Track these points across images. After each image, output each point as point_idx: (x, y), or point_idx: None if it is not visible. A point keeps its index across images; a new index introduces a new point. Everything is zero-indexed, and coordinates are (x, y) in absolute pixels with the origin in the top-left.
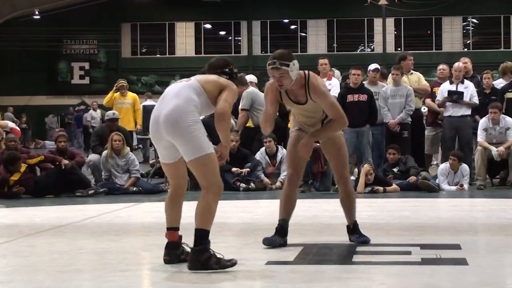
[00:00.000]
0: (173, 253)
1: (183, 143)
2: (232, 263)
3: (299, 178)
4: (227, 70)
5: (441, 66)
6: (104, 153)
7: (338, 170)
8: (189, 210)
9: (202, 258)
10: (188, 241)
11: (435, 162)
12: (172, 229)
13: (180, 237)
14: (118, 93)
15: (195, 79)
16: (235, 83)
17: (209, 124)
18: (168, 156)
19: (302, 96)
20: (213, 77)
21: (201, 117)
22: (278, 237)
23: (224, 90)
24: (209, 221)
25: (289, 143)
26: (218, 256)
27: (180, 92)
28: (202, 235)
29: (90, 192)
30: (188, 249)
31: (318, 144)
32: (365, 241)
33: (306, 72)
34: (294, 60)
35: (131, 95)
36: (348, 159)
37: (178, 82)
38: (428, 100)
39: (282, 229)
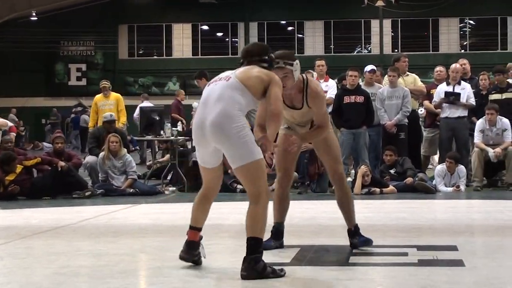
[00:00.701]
0: (191, 252)
1: (231, 149)
2: (284, 272)
3: (290, 179)
4: (266, 57)
5: (438, 68)
6: (101, 154)
7: (331, 165)
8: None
9: (258, 267)
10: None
11: (431, 167)
12: (195, 228)
13: (201, 237)
14: (100, 95)
15: (235, 77)
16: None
17: None
18: (211, 162)
19: (298, 101)
20: (253, 71)
21: None
22: (274, 241)
23: (271, 85)
24: (261, 229)
25: (278, 144)
26: (270, 266)
27: (223, 95)
28: (256, 244)
29: (87, 193)
30: (204, 252)
31: (310, 144)
32: (368, 241)
33: (305, 76)
34: (297, 60)
35: (114, 95)
36: (340, 154)
37: (217, 81)
38: (426, 102)
39: (277, 232)
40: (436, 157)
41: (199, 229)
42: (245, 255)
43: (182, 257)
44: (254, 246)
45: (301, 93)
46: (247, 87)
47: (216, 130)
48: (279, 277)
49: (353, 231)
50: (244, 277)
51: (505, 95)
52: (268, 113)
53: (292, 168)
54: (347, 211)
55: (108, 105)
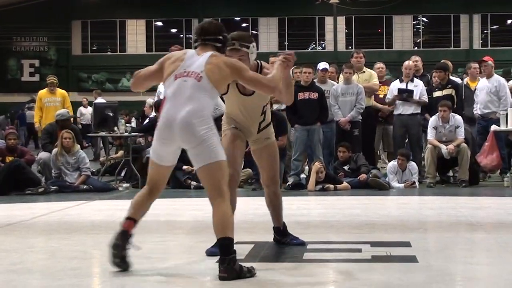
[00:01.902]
0: (125, 241)
1: (197, 149)
2: (255, 272)
3: (239, 177)
4: (220, 37)
5: (378, 65)
6: (54, 150)
7: (272, 177)
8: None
9: (237, 267)
10: (139, 239)
11: (381, 162)
12: (132, 219)
13: (132, 235)
14: (45, 90)
15: (206, 77)
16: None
17: None
18: (168, 160)
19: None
20: (221, 68)
21: None
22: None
23: (243, 75)
24: (230, 229)
25: (226, 142)
26: (243, 265)
27: (193, 95)
28: (230, 244)
29: (40, 190)
30: (129, 250)
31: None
32: (302, 244)
33: (259, 61)
34: (253, 42)
35: (60, 92)
36: (279, 165)
37: (185, 77)
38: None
39: None
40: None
41: (136, 221)
42: (221, 256)
43: (115, 245)
44: (228, 247)
45: None
46: (216, 87)
47: (186, 129)
48: (252, 277)
49: (282, 230)
50: (223, 278)
51: (445, 92)
52: (272, 91)
53: (241, 164)
54: (278, 211)
55: (54, 102)
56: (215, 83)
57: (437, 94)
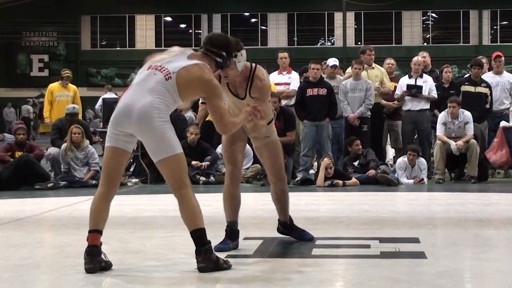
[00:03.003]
0: (96, 260)
1: (153, 141)
2: (231, 264)
3: (240, 173)
4: (223, 53)
5: (388, 61)
6: (63, 146)
7: (277, 173)
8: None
9: (213, 257)
10: (145, 234)
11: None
12: (97, 231)
13: (101, 243)
14: (58, 83)
15: (175, 79)
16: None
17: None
18: (122, 142)
19: (242, 90)
20: (191, 78)
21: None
22: (230, 241)
23: (210, 101)
24: (199, 219)
25: (224, 138)
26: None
27: (155, 89)
28: (202, 235)
29: (49, 185)
30: (103, 257)
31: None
32: (311, 238)
33: (253, 64)
34: (242, 50)
35: (72, 87)
36: (283, 161)
37: (157, 69)
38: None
39: (231, 232)
40: (388, 148)
41: (101, 232)
42: (196, 248)
43: (89, 269)
44: (202, 237)
45: (245, 82)
46: (179, 93)
47: (142, 120)
48: (228, 268)
49: (290, 225)
50: (203, 269)
51: (478, 89)
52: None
53: (242, 163)
54: (284, 207)
55: (66, 96)
56: (181, 89)
57: (467, 88)
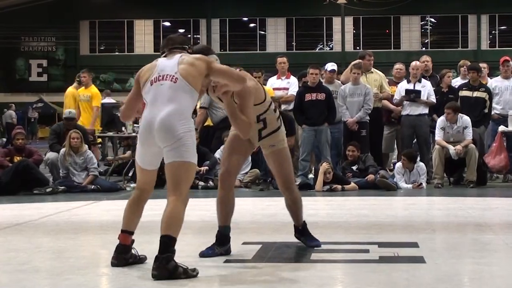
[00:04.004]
0: (122, 257)
1: (172, 147)
2: (196, 272)
3: (232, 178)
4: (186, 47)
5: (397, 66)
6: (62, 151)
7: (283, 183)
8: (148, 208)
9: (170, 266)
10: (146, 239)
11: (394, 160)
12: (127, 232)
13: (132, 241)
14: (80, 87)
15: (181, 77)
16: None
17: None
18: (151, 163)
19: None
20: (191, 65)
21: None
22: (218, 247)
23: (211, 68)
24: (177, 228)
25: (226, 143)
26: (182, 266)
27: (172, 96)
28: (169, 243)
29: (48, 190)
30: (135, 253)
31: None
32: (317, 245)
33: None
34: (213, 54)
35: (93, 88)
36: (292, 171)
37: (161, 81)
38: (385, 101)
39: (221, 237)
40: (394, 155)
41: (131, 233)
42: (158, 253)
43: (113, 264)
44: (167, 245)
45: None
46: (193, 86)
47: (165, 129)
48: (191, 277)
49: (301, 230)
50: (155, 276)
51: (476, 94)
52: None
53: (237, 166)
54: (295, 214)
55: (87, 98)
56: (192, 82)
57: (465, 93)
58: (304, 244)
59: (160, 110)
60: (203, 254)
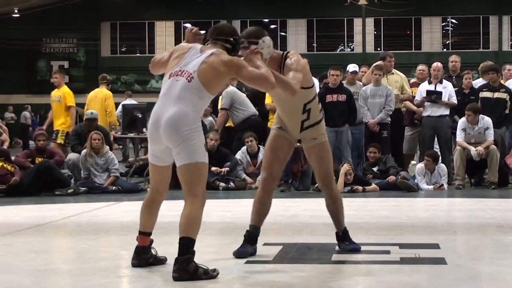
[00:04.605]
0: (142, 257)
1: (180, 148)
2: (217, 273)
3: (275, 182)
4: (231, 39)
5: (420, 67)
6: (83, 152)
7: (323, 180)
8: (167, 209)
9: (190, 268)
10: (166, 240)
11: (413, 162)
12: (145, 233)
13: (151, 241)
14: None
15: (197, 77)
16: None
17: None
18: (161, 159)
19: None
20: (215, 68)
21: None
22: (248, 246)
23: (240, 71)
24: (195, 230)
25: (267, 143)
26: (202, 267)
27: (182, 95)
28: (188, 244)
29: (69, 191)
30: (155, 253)
31: (299, 145)
32: (355, 249)
33: (285, 52)
34: (264, 37)
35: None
36: (332, 167)
37: (178, 76)
38: (407, 102)
39: (251, 237)
40: (416, 156)
41: (149, 234)
42: (176, 256)
43: (134, 264)
44: (187, 247)
45: (279, 70)
46: (207, 88)
47: (170, 129)
48: (212, 278)
49: (341, 236)
50: (176, 278)
51: (496, 95)
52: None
53: (279, 170)
54: (336, 216)
55: (57, 99)
56: (206, 84)
57: (485, 94)
58: (343, 250)
59: (168, 109)
60: (238, 253)
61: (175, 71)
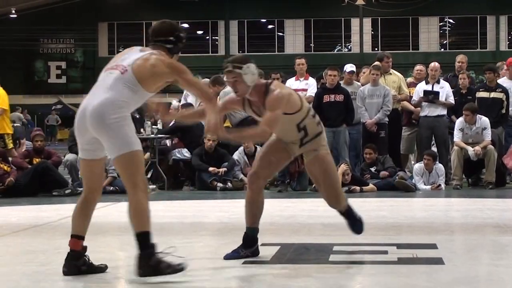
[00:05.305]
0: (73, 264)
1: (108, 138)
2: (182, 267)
3: (260, 181)
4: (171, 38)
5: (418, 67)
6: None
7: (331, 197)
8: (164, 209)
9: (152, 262)
10: (162, 240)
11: (412, 162)
12: (77, 237)
13: (85, 248)
14: None
15: (131, 71)
16: (212, 83)
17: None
18: (89, 153)
19: (262, 109)
20: (151, 65)
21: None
22: (243, 249)
23: (180, 77)
24: (146, 222)
25: (265, 143)
26: (166, 259)
27: (113, 86)
28: (144, 238)
29: (67, 191)
30: (88, 260)
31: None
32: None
33: (269, 81)
34: (249, 63)
35: None
36: (338, 181)
37: (113, 69)
38: (405, 102)
39: (247, 239)
40: (411, 156)
41: (82, 238)
42: (138, 252)
43: (65, 272)
44: (144, 241)
45: (262, 100)
46: (141, 84)
47: (96, 119)
48: (177, 272)
49: (343, 213)
50: (141, 274)
51: (493, 94)
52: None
53: (265, 173)
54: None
55: None
56: (141, 79)
57: (482, 94)
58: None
59: (96, 97)
60: (228, 257)
61: (111, 66)
